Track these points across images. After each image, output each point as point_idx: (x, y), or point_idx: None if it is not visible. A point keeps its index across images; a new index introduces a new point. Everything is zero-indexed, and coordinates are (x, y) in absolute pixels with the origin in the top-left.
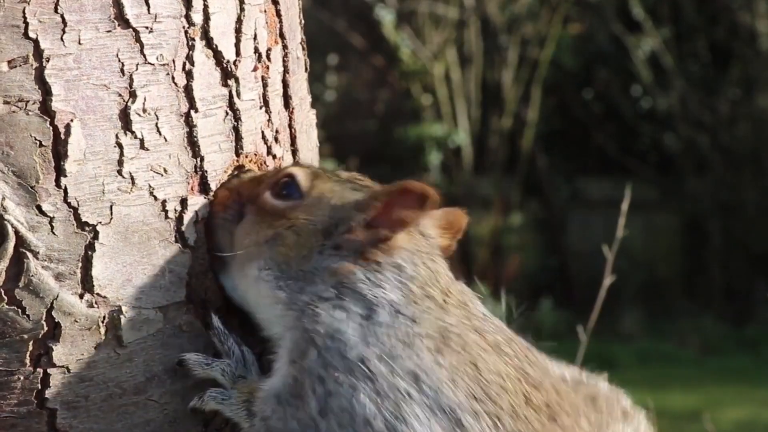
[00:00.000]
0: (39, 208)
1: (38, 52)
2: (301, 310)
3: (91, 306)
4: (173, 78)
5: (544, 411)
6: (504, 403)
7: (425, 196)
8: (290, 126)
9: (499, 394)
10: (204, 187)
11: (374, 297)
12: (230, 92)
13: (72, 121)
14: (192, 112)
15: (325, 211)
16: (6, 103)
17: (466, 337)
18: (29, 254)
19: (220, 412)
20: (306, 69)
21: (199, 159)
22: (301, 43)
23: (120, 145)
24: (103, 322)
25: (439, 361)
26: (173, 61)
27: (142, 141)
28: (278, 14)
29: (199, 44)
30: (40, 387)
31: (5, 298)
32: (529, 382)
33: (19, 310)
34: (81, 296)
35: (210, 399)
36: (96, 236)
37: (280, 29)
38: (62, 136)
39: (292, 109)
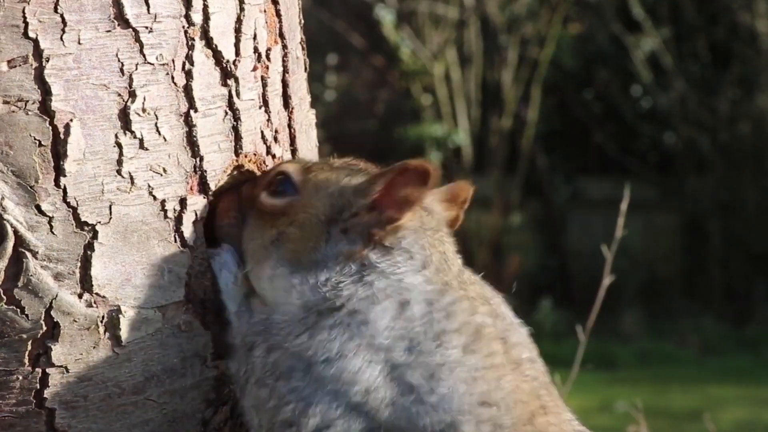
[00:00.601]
0: (38, 207)
1: (38, 52)
2: (322, 293)
3: (90, 306)
4: (173, 78)
5: (538, 418)
6: (514, 414)
7: (426, 172)
8: (290, 126)
9: (512, 406)
10: (203, 187)
11: (398, 280)
12: (230, 92)
13: (71, 120)
14: (191, 111)
15: (324, 201)
16: (5, 102)
17: (493, 343)
18: (28, 254)
19: (214, 274)
20: (306, 69)
21: (198, 159)
22: (300, 42)
23: (119, 145)
24: (102, 321)
25: (464, 361)
26: (173, 60)
27: (141, 141)
28: (278, 14)
29: (199, 44)
30: (38, 387)
31: (4, 297)
32: (542, 403)
33: (18, 310)
34: (80, 296)
35: (211, 255)
36: (95, 236)
37: (280, 29)
38: (62, 136)
39: (292, 108)
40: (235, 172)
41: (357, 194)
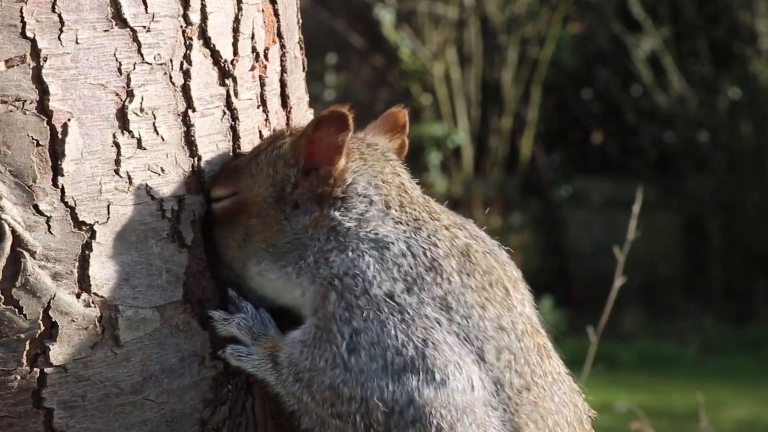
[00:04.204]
0: (36, 207)
1: (35, 52)
2: (314, 269)
3: (88, 305)
4: (171, 77)
5: (541, 353)
6: (525, 343)
7: (341, 116)
8: (288, 125)
9: (523, 334)
10: (201, 187)
11: (374, 233)
12: (228, 91)
13: (69, 120)
14: (189, 111)
15: (263, 186)
16: (3, 102)
17: (487, 259)
18: (26, 254)
19: (242, 369)
20: (304, 68)
21: (196, 158)
22: (298, 42)
23: (117, 145)
24: (100, 321)
25: (468, 283)
26: (171, 60)
27: (139, 140)
28: (276, 14)
29: (197, 43)
30: (36, 386)
31: (2, 297)
32: (540, 332)
33: (16, 310)
34: (78, 296)
35: (229, 355)
36: (93, 236)
37: (278, 29)
38: (59, 136)
39: (290, 108)
40: None
41: (287, 165)
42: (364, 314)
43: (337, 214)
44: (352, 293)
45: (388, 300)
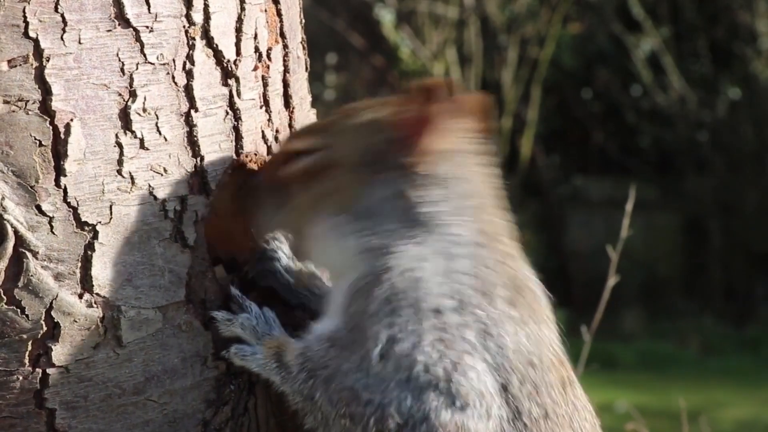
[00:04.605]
0: (38, 207)
1: (38, 52)
2: (373, 257)
3: (90, 306)
4: (173, 77)
5: (565, 385)
6: (549, 377)
7: (440, 89)
8: (290, 126)
9: (549, 369)
10: (204, 187)
11: (441, 231)
12: (230, 92)
13: (72, 120)
14: (192, 111)
15: (350, 148)
16: (6, 102)
17: (529, 290)
18: (29, 254)
19: (246, 369)
20: (306, 68)
21: (199, 159)
22: (301, 42)
23: (120, 145)
24: (102, 322)
25: (511, 314)
26: (173, 60)
27: (142, 140)
28: (279, 14)
29: (200, 44)
30: (39, 387)
31: (4, 297)
32: (565, 365)
33: (19, 310)
34: (80, 296)
35: (234, 355)
36: (95, 236)
37: (281, 29)
38: (62, 136)
39: (293, 108)
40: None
41: (378, 131)
42: (408, 324)
43: (413, 194)
44: (403, 298)
45: (433, 316)
